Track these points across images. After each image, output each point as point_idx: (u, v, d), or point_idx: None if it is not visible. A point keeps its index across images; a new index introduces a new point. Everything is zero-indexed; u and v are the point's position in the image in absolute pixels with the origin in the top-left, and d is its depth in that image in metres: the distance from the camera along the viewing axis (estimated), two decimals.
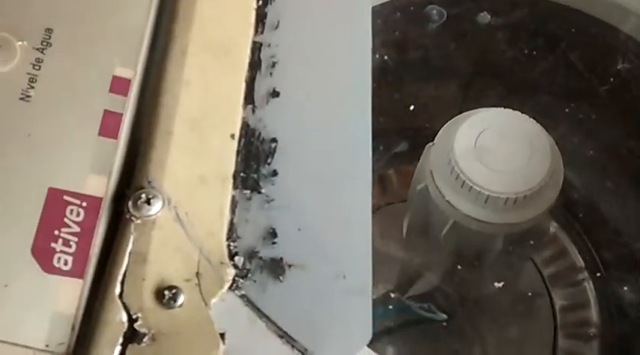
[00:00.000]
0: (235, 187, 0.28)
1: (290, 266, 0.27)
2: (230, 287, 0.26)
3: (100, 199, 0.27)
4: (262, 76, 0.31)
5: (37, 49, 0.29)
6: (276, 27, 0.32)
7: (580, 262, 0.77)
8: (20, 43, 0.29)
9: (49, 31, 0.29)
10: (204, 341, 0.25)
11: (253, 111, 0.30)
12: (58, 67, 0.29)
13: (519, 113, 0.52)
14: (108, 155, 0.28)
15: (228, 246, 0.27)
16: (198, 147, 0.29)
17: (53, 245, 0.26)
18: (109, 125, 0.28)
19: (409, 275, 0.67)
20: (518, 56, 0.56)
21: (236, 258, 0.27)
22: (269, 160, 0.29)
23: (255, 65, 0.31)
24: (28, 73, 0.28)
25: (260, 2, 0.33)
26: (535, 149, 0.51)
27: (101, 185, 0.27)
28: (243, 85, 0.31)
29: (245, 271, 0.27)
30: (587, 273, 0.76)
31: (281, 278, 0.27)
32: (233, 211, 0.28)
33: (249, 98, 0.30)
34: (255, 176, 0.29)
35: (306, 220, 0.28)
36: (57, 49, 0.29)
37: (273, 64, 0.31)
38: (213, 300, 0.26)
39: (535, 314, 0.74)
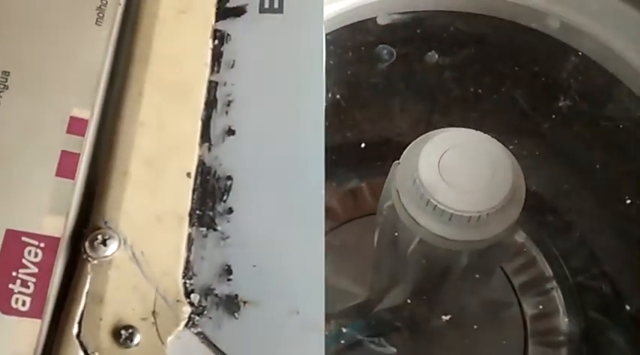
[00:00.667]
0: (191, 225, 0.29)
1: (245, 302, 0.28)
2: (186, 325, 0.27)
3: (58, 239, 0.28)
4: (218, 115, 0.32)
5: None
6: (232, 66, 0.33)
7: (549, 271, 0.79)
8: None
9: (5, 73, 0.30)
10: None
11: (209, 149, 0.31)
12: (14, 109, 0.29)
13: (482, 133, 0.54)
14: (65, 195, 0.29)
15: (184, 283, 0.28)
16: (154, 187, 0.29)
17: (11, 286, 0.26)
18: (66, 165, 0.29)
19: (379, 290, 0.68)
20: (465, 94, 0.58)
21: (192, 296, 0.28)
22: (224, 198, 0.30)
23: (211, 104, 0.32)
24: None
25: (216, 42, 0.34)
26: (497, 168, 0.52)
27: (59, 225, 0.28)
28: (199, 124, 0.31)
29: (201, 308, 0.28)
30: (555, 282, 0.78)
31: (236, 314, 0.28)
32: (189, 249, 0.29)
33: (206, 136, 0.31)
34: (211, 213, 0.30)
35: (260, 257, 0.29)
36: (13, 92, 0.30)
37: (229, 103, 0.32)
38: (170, 338, 0.27)
39: (506, 323, 0.75)
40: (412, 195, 0.52)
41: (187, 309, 0.27)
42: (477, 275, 0.65)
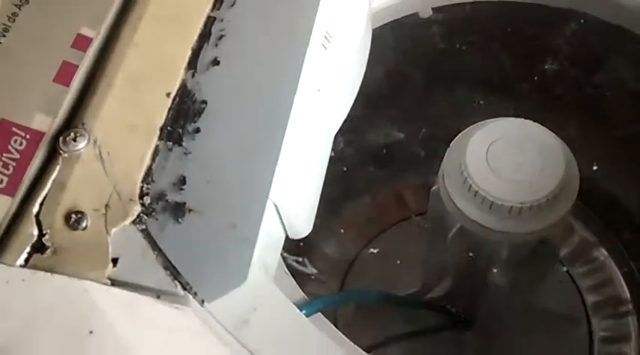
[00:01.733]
0: (160, 138, 0.32)
1: (190, 210, 0.31)
2: (133, 222, 0.30)
3: (43, 134, 0.32)
4: (209, 46, 0.35)
5: (15, 5, 0.34)
6: (232, 5, 0.36)
7: (626, 293, 0.75)
8: None
9: None
10: (96, 261, 0.29)
11: (193, 75, 0.34)
12: (30, 22, 0.34)
13: (536, 123, 0.53)
14: (58, 99, 0.32)
15: (142, 187, 0.31)
16: (134, 100, 0.33)
17: None
18: (64, 74, 0.33)
19: (428, 278, 0.68)
20: None
21: (145, 198, 0.31)
22: (195, 119, 0.33)
23: (204, 36, 0.35)
24: (3, 24, 0.33)
25: None
26: (548, 161, 0.50)
27: (46, 122, 0.32)
28: (190, 52, 0.34)
29: (150, 209, 0.31)
30: (631, 306, 0.74)
31: (180, 220, 0.30)
32: (153, 159, 0.32)
33: (193, 64, 0.34)
34: (180, 131, 0.33)
35: (214, 174, 0.31)
36: (33, 6, 0.34)
37: (221, 37, 0.35)
38: (115, 230, 0.30)
39: (570, 339, 0.73)
40: (456, 179, 0.52)
41: (137, 208, 0.30)
42: (524, 275, 0.63)
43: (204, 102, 0.33)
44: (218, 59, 0.34)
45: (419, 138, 0.66)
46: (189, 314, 0.29)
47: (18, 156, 0.31)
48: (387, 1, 0.53)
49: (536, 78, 0.59)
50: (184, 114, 0.33)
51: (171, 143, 0.32)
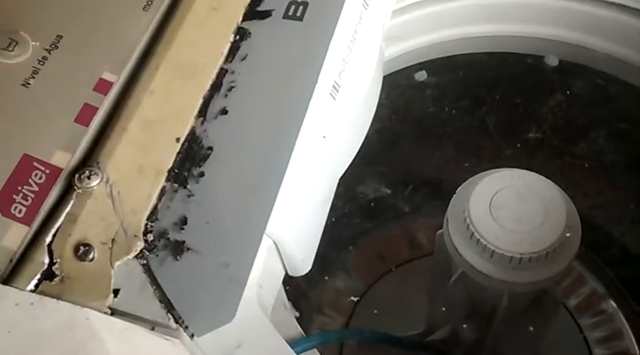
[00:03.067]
0: (167, 180, 0.35)
1: (189, 249, 0.33)
2: (136, 256, 0.33)
3: (61, 170, 0.35)
4: (219, 96, 0.38)
5: (46, 49, 0.37)
6: (244, 59, 0.39)
7: (635, 348, 0.76)
8: (34, 43, 0.37)
9: (59, 36, 0.38)
10: (99, 291, 0.32)
11: (202, 123, 0.37)
12: (58, 66, 0.37)
13: (540, 176, 0.54)
14: (77, 138, 0.36)
15: (146, 224, 0.34)
16: (145, 144, 0.36)
17: (15, 196, 0.34)
18: (85, 115, 0.36)
19: (431, 321, 0.70)
20: None
21: (148, 235, 0.34)
22: (201, 163, 0.36)
23: (216, 86, 0.38)
24: (33, 66, 0.37)
25: (237, 37, 0.40)
26: (549, 214, 0.52)
27: (65, 159, 0.35)
28: (201, 101, 0.37)
29: (152, 246, 0.33)
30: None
31: (178, 257, 0.33)
32: (159, 198, 0.35)
33: (203, 112, 0.37)
34: (186, 174, 0.35)
35: (214, 216, 0.34)
36: (61, 52, 0.37)
37: (231, 88, 0.38)
38: (118, 263, 0.33)
39: None
40: (459, 225, 0.54)
41: (140, 244, 0.33)
42: (526, 324, 0.64)
43: (211, 148, 0.36)
44: (227, 109, 0.37)
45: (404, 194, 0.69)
46: (180, 346, 0.31)
47: (37, 189, 0.34)
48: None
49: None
50: (191, 158, 0.36)
51: (177, 185, 0.35)
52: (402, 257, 0.79)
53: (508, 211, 0.52)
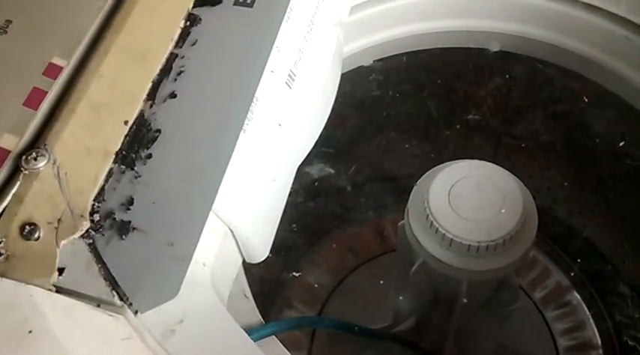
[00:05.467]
0: (115, 162, 0.36)
1: (134, 229, 0.34)
2: (82, 236, 0.33)
3: (9, 152, 0.35)
4: (168, 81, 0.38)
5: None
6: (194, 44, 0.39)
7: (597, 339, 0.77)
8: None
9: (8, 21, 0.38)
10: (44, 269, 0.32)
11: (151, 106, 0.37)
12: (6, 50, 0.37)
13: (499, 167, 0.55)
14: (25, 121, 0.36)
15: (93, 205, 0.34)
16: (94, 126, 0.36)
17: None
18: (33, 99, 0.36)
19: (396, 311, 0.71)
20: None
21: (95, 215, 0.34)
22: (149, 145, 0.36)
23: (165, 71, 0.38)
24: None
25: (187, 23, 0.40)
26: (507, 203, 0.53)
27: (13, 142, 0.35)
28: (150, 85, 0.38)
29: (98, 226, 0.34)
30: (601, 352, 0.76)
31: (124, 237, 0.34)
32: (106, 180, 0.35)
33: (152, 96, 0.38)
34: (134, 156, 0.36)
35: (160, 197, 0.35)
36: (10, 36, 0.38)
37: (180, 72, 0.38)
38: (64, 242, 0.33)
39: None
40: (419, 215, 0.54)
41: (86, 224, 0.34)
42: (487, 311, 0.65)
43: (159, 131, 0.36)
44: (175, 93, 0.38)
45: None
46: (123, 322, 0.32)
47: None
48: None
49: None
50: (139, 141, 0.36)
51: (124, 167, 0.35)
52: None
53: (466, 200, 0.53)
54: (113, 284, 0.32)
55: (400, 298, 0.69)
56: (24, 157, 0.35)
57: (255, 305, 0.48)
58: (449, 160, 0.54)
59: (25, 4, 0.39)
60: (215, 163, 0.35)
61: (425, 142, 0.65)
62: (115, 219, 0.34)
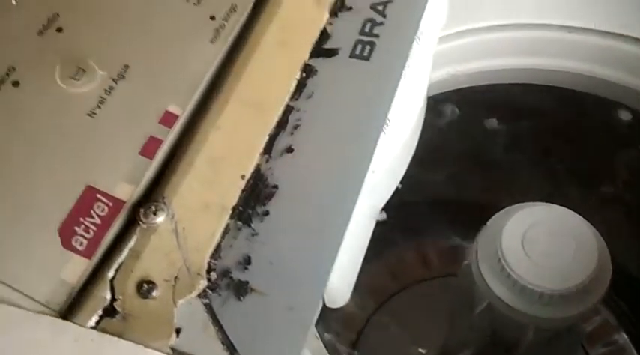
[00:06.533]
0: (231, 218, 0.34)
1: (252, 290, 0.32)
2: (198, 295, 0.32)
3: (124, 203, 0.34)
4: (285, 134, 0.37)
5: (113, 79, 0.37)
6: (310, 96, 0.38)
7: None
8: (102, 72, 0.37)
9: (126, 66, 0.37)
10: (161, 330, 0.31)
11: (267, 160, 0.36)
12: (124, 96, 0.36)
13: (575, 214, 0.54)
14: (141, 170, 0.35)
15: (209, 262, 0.33)
16: (211, 180, 0.35)
17: (76, 228, 0.33)
18: (149, 148, 0.36)
19: (450, 349, 0.69)
20: None
21: (211, 273, 0.33)
22: (265, 202, 0.35)
23: (282, 124, 0.37)
24: (100, 96, 0.36)
25: (304, 74, 0.39)
26: (580, 249, 0.52)
27: (128, 192, 0.34)
28: (266, 138, 0.37)
29: (215, 285, 0.32)
30: None
31: (242, 298, 0.32)
32: (223, 236, 0.34)
33: (268, 149, 0.36)
34: (251, 212, 0.35)
35: (278, 257, 0.33)
36: (128, 82, 0.37)
37: (297, 126, 0.37)
38: (181, 301, 0.32)
39: None
40: (490, 258, 0.53)
41: (204, 283, 0.32)
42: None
43: (276, 187, 0.35)
44: (292, 147, 0.37)
45: None
46: None
47: (99, 221, 0.33)
48: None
49: None
50: (256, 196, 0.35)
51: (240, 223, 0.34)
52: None
53: (541, 246, 0.52)
54: (230, 348, 0.31)
55: (455, 332, 0.68)
56: (142, 210, 0.34)
57: (322, 344, 0.47)
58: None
59: (142, 48, 0.38)
60: (334, 225, 0.34)
61: None
62: (232, 278, 0.33)
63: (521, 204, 0.54)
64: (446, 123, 0.62)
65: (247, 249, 0.34)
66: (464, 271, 0.57)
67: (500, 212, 0.55)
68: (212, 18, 0.40)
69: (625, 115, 0.58)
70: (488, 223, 0.54)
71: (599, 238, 0.52)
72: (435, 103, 0.57)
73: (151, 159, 0.35)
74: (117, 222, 0.34)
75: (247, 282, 0.33)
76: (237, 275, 0.33)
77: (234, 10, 0.40)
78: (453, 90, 0.59)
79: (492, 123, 0.64)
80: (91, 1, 0.39)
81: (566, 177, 0.65)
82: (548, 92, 0.60)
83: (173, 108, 0.37)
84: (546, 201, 0.55)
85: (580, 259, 0.51)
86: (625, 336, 0.73)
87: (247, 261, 0.33)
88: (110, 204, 0.34)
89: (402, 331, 0.72)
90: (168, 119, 0.36)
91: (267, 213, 0.35)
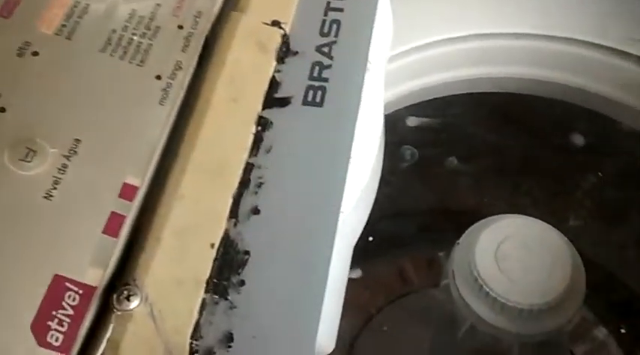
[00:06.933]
0: (207, 291, 0.34)
1: None
2: None
3: (95, 288, 0.33)
4: (248, 194, 0.37)
5: (65, 156, 0.35)
6: (269, 151, 0.38)
7: None
8: (52, 150, 0.35)
9: (77, 141, 0.36)
10: None
11: (235, 224, 0.36)
12: (79, 173, 0.35)
13: (544, 223, 0.55)
14: (107, 251, 0.34)
15: (191, 343, 0.33)
16: (181, 254, 0.34)
17: (49, 323, 0.32)
18: (112, 225, 0.34)
19: None
20: None
21: None
22: (240, 271, 0.35)
23: (244, 184, 0.37)
24: (54, 176, 0.35)
25: (259, 128, 0.38)
26: (556, 262, 0.53)
27: (98, 276, 0.33)
28: (231, 201, 0.36)
29: None
30: None
31: None
32: (201, 313, 0.33)
33: (234, 212, 0.36)
34: (226, 283, 0.34)
35: (260, 330, 0.33)
36: (81, 157, 0.35)
37: (260, 185, 0.37)
38: None
39: None
40: (467, 278, 0.53)
41: None
42: None
43: (247, 252, 0.35)
44: (258, 208, 0.36)
45: None
46: None
47: (72, 312, 0.32)
48: None
49: None
50: (228, 265, 0.35)
51: (217, 296, 0.34)
52: None
53: (514, 262, 0.53)
54: None
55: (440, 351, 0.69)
56: (115, 296, 0.33)
57: None
58: None
59: (91, 119, 0.36)
60: (312, 289, 0.34)
61: None
62: None
63: (488, 219, 0.55)
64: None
65: (228, 325, 0.33)
66: (443, 290, 0.57)
67: (469, 230, 0.55)
68: (158, 77, 0.38)
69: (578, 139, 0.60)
70: (460, 241, 0.55)
71: (570, 247, 0.53)
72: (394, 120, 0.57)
73: (116, 237, 0.34)
74: (90, 311, 0.33)
75: None
76: (221, 354, 0.33)
77: (180, 68, 0.39)
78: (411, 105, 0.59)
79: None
80: (32, 76, 0.37)
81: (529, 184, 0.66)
82: (502, 99, 0.61)
83: (131, 180, 0.36)
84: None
85: (555, 271, 0.52)
86: (604, 330, 0.76)
87: (229, 338, 0.33)
88: (81, 291, 0.33)
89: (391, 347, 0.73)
90: (127, 192, 0.35)
91: (242, 283, 0.34)
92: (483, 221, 0.55)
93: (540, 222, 0.54)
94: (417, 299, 0.75)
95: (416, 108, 0.57)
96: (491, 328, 0.53)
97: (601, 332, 0.75)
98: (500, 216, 0.55)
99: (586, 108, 0.60)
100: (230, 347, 0.33)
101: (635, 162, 0.59)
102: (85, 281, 0.33)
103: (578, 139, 0.61)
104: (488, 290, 0.52)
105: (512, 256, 0.53)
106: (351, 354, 0.74)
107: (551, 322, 0.52)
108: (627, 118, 0.59)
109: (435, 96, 0.59)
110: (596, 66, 0.58)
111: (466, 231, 0.55)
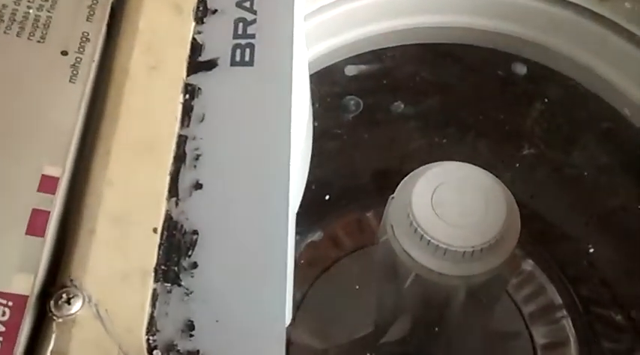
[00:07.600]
0: (156, 280, 0.30)
1: None
2: None
3: (26, 297, 0.29)
4: (187, 169, 0.33)
5: None
6: (202, 120, 0.34)
7: (558, 299, 0.78)
8: None
9: None
10: None
11: (177, 203, 0.32)
12: None
13: (475, 166, 0.54)
14: (34, 253, 0.29)
15: (148, 340, 0.29)
16: (121, 244, 0.30)
17: None
18: (36, 224, 0.30)
19: (382, 323, 0.68)
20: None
21: (154, 352, 0.29)
22: (190, 253, 0.31)
23: (179, 158, 0.33)
24: None
25: (187, 96, 0.35)
26: (490, 202, 0.52)
27: (27, 283, 0.29)
28: (168, 179, 0.32)
29: None
30: (565, 311, 0.77)
31: None
32: (153, 305, 0.30)
33: (174, 191, 0.32)
34: (176, 268, 0.30)
35: (223, 312, 0.30)
36: None
37: (197, 157, 0.33)
38: None
39: (516, 353, 0.75)
40: (406, 230, 0.52)
41: None
42: (479, 308, 0.65)
43: (195, 232, 0.31)
44: (200, 182, 0.32)
45: None
46: None
47: (3, 328, 0.28)
48: None
49: None
50: (176, 249, 0.31)
51: (169, 284, 0.30)
52: None
53: (451, 206, 0.52)
54: None
55: (384, 308, 0.68)
56: (53, 302, 0.28)
57: None
58: None
59: None
60: (273, 256, 0.31)
61: None
62: (179, 351, 0.29)
63: (422, 167, 0.53)
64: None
65: (186, 313, 0.29)
66: (383, 248, 0.55)
67: (403, 181, 0.53)
68: (64, 53, 0.34)
69: (520, 68, 0.58)
70: (396, 193, 0.53)
71: (500, 183, 0.53)
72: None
73: (42, 236, 0.30)
74: (25, 323, 0.28)
75: (198, 351, 0.29)
76: (183, 345, 0.29)
77: (87, 39, 0.34)
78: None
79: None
80: None
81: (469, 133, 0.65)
82: (439, 50, 0.59)
83: (50, 170, 0.31)
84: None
85: (492, 210, 0.51)
86: (532, 262, 0.76)
87: (190, 327, 0.29)
88: (10, 303, 0.28)
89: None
90: (47, 184, 0.31)
91: (195, 265, 0.31)
92: (415, 171, 0.54)
93: (472, 166, 0.53)
94: (366, 254, 0.73)
95: (353, 57, 0.54)
96: (435, 275, 0.52)
97: (528, 264, 0.75)
98: (431, 164, 0.54)
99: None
100: (192, 335, 0.29)
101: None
102: (13, 291, 0.29)
103: (521, 69, 0.59)
104: (429, 238, 0.51)
105: (448, 201, 0.52)
106: (299, 309, 0.71)
107: (493, 260, 0.52)
108: (564, 67, 0.59)
109: (373, 49, 0.56)
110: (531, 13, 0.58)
111: (400, 184, 0.53)
